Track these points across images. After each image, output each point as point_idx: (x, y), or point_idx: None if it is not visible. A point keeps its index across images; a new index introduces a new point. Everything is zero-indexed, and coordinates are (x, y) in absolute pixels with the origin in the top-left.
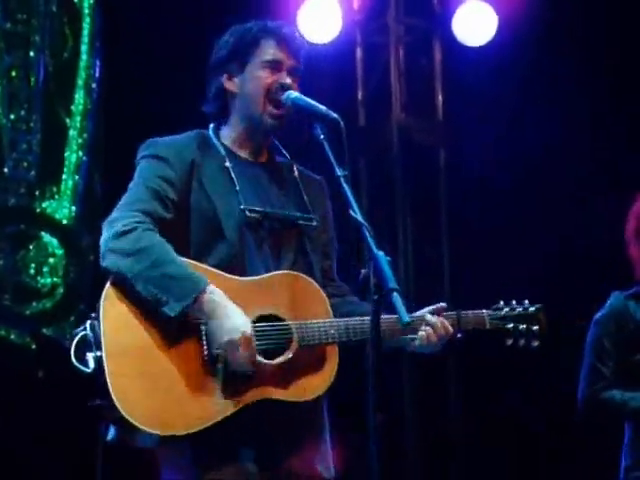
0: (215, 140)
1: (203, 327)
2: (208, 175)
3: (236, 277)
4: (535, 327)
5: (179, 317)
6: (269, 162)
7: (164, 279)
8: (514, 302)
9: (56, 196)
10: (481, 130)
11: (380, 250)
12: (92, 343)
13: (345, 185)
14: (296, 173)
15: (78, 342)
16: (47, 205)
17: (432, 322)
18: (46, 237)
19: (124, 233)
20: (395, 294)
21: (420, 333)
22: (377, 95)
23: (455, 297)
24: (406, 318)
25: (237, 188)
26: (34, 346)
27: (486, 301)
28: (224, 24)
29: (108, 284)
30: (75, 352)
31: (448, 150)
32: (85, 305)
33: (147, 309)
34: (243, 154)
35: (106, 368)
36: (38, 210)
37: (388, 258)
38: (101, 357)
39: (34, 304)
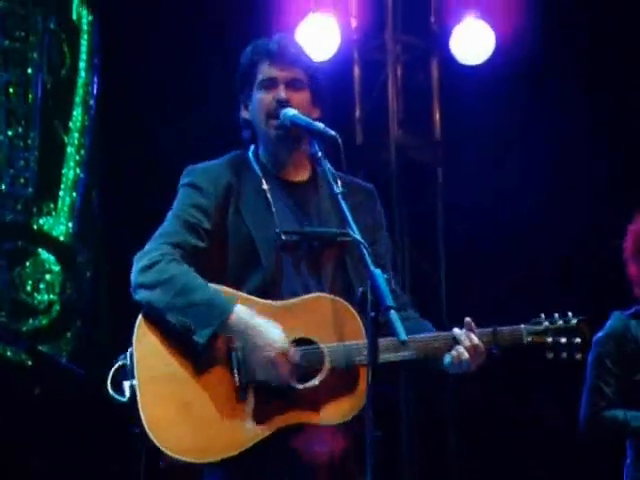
0: (254, 163)
1: (234, 354)
2: (244, 199)
3: (268, 301)
4: (577, 340)
5: (208, 343)
6: (311, 179)
7: (191, 307)
8: (556, 315)
9: (53, 213)
10: (479, 148)
11: (377, 267)
12: (129, 372)
13: (343, 202)
14: (339, 182)
15: (115, 371)
16: (44, 222)
17: (461, 340)
18: (43, 254)
19: (149, 267)
20: (392, 312)
21: (452, 352)
22: (375, 113)
23: (452, 314)
24: (403, 336)
25: (273, 210)
26: (30, 363)
27: (482, 318)
28: (223, 43)
29: (140, 315)
30: (112, 381)
31: (445, 168)
32: (81, 322)
33: (178, 337)
34: (282, 174)
35: (138, 396)
36: (35, 227)
37: (385, 276)
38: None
39: (30, 321)
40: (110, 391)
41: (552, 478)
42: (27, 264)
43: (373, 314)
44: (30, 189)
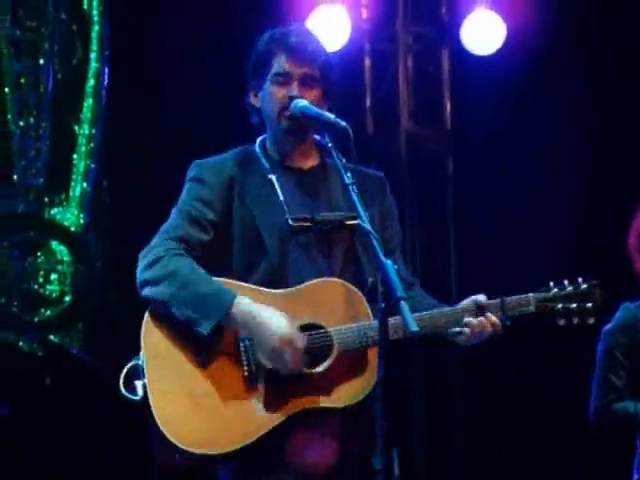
0: (260, 153)
1: (241, 344)
2: (250, 190)
3: (272, 290)
4: (589, 304)
5: (213, 334)
6: (319, 166)
7: (194, 299)
8: (565, 281)
9: (64, 203)
10: (489, 138)
11: (387, 256)
12: (140, 370)
13: (353, 193)
14: (349, 173)
15: (127, 371)
16: (56, 212)
17: (469, 322)
18: (54, 244)
19: (154, 262)
20: (403, 303)
21: (464, 325)
22: (385, 103)
23: None
24: (414, 327)
25: (281, 199)
26: (41, 353)
27: None
28: (233, 33)
29: (146, 313)
30: (124, 381)
31: (456, 159)
32: (92, 312)
33: (184, 332)
34: (289, 162)
35: (149, 392)
36: (47, 217)
37: (395, 266)
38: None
39: (42, 311)
40: (123, 392)
41: (561, 463)
42: (39, 254)
43: (383, 305)
44: (41, 179)
